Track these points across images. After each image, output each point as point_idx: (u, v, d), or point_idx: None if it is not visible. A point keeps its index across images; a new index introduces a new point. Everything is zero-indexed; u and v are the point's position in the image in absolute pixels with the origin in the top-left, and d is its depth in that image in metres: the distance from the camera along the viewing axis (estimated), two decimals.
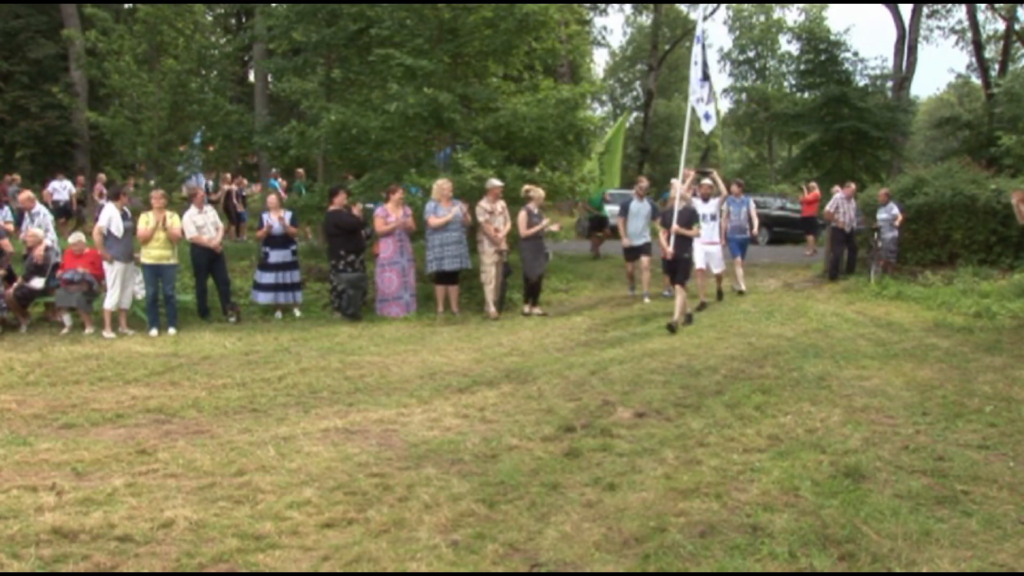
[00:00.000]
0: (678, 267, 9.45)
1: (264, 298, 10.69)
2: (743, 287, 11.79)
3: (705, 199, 10.76)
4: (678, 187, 9.70)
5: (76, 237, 9.93)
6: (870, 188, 15.43)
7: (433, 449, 4.85)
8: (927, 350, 7.81)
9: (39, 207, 10.84)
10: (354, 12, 12.84)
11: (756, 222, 12.17)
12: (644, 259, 11.55)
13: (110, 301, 9.34)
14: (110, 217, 9.35)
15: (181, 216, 10.14)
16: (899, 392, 6.18)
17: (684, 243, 9.38)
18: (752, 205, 12.10)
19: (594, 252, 16.27)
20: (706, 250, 10.54)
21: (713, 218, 10.76)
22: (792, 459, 4.58)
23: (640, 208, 11.76)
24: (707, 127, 10.50)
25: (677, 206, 9.38)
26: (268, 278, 10.66)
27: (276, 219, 10.64)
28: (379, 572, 3.32)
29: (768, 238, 21.52)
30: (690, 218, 9.41)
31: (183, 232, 10.02)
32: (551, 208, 17.44)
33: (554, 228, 11.23)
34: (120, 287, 9.35)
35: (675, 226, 9.37)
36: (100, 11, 16.03)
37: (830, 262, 13.60)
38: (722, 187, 10.96)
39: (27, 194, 10.90)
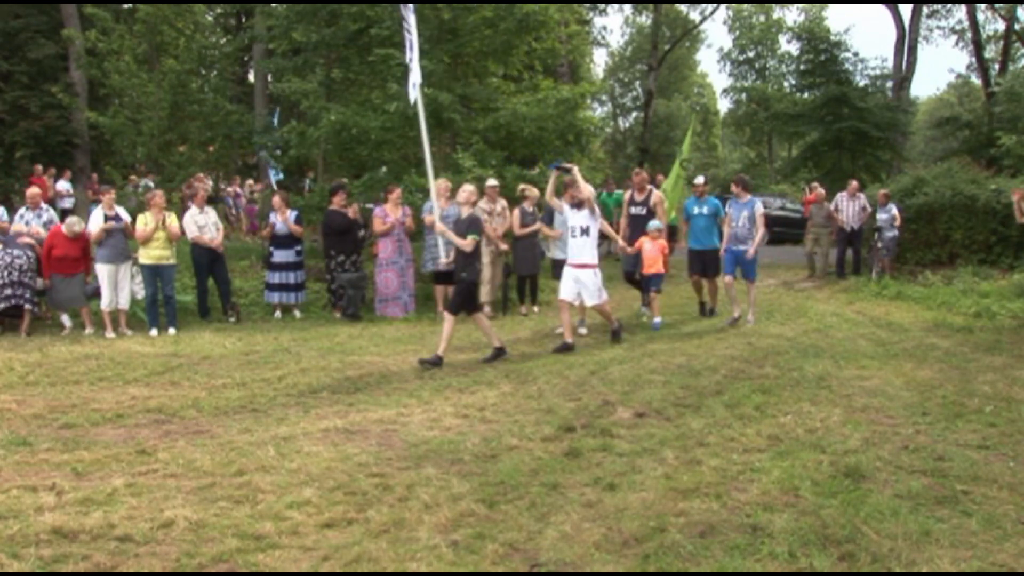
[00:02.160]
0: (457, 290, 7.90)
1: (269, 297, 10.73)
2: (736, 314, 9.42)
3: (576, 206, 8.22)
4: (435, 190, 8.63)
5: (72, 219, 9.87)
6: (870, 188, 15.45)
7: (433, 449, 4.85)
8: (927, 350, 7.81)
9: (45, 205, 10.81)
10: (354, 12, 12.84)
11: (761, 232, 9.46)
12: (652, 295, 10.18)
13: (103, 302, 9.35)
14: (93, 219, 9.45)
15: (180, 216, 10.15)
16: (899, 392, 6.18)
17: (464, 259, 7.62)
18: (760, 208, 9.50)
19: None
20: (575, 275, 8.12)
21: (584, 232, 8.14)
22: (792, 459, 4.58)
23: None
24: (412, 95, 9.23)
25: (464, 213, 7.84)
26: (271, 278, 10.69)
27: (281, 219, 10.66)
28: (379, 572, 3.31)
29: (768, 238, 21.53)
30: (468, 227, 7.62)
31: (183, 232, 10.03)
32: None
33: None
34: (111, 288, 9.34)
35: (438, 228, 8.19)
36: (100, 11, 16.02)
37: (835, 261, 13.69)
38: (584, 190, 8.21)
39: (33, 191, 10.88)
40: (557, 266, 9.57)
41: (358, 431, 5.29)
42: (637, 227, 9.67)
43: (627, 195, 10.19)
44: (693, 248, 9.95)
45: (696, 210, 9.92)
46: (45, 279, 9.46)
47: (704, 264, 9.88)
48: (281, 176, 16.87)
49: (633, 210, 9.89)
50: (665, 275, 9.67)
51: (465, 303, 7.66)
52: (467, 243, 7.58)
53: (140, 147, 15.52)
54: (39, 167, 18.21)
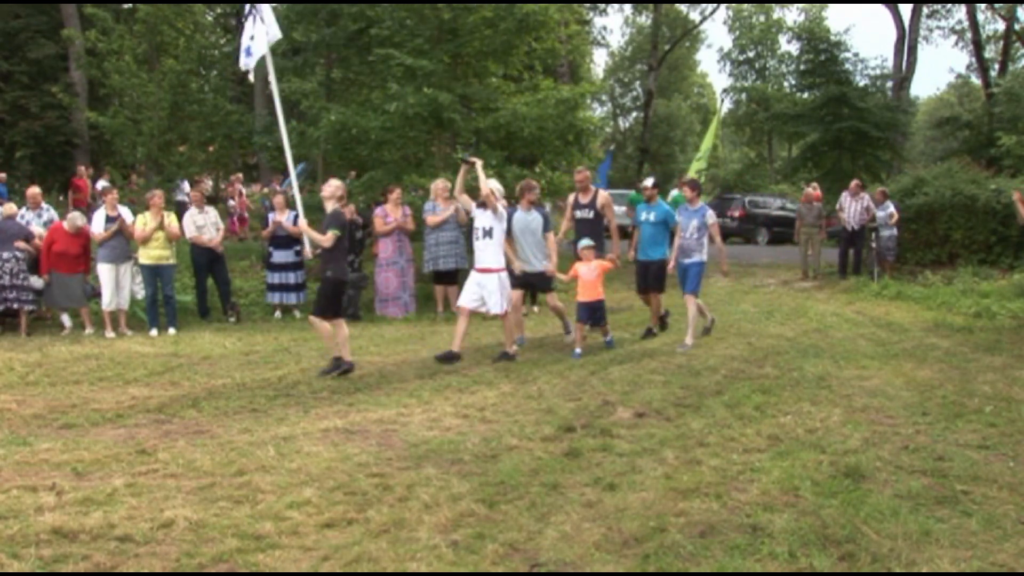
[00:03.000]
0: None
1: (270, 297, 10.74)
2: (689, 341, 8.05)
3: (480, 205, 7.52)
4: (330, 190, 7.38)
5: (74, 214, 9.88)
6: (870, 188, 15.46)
7: (433, 449, 4.85)
8: (927, 350, 7.81)
9: (46, 205, 10.82)
10: (354, 12, 12.85)
11: (718, 241, 8.44)
12: (550, 297, 8.67)
13: (104, 301, 9.36)
14: (96, 219, 9.47)
15: (179, 216, 10.16)
16: (899, 392, 6.18)
17: (326, 256, 7.10)
18: (712, 216, 8.32)
19: None
20: (478, 279, 7.52)
21: (487, 234, 7.43)
22: (792, 459, 4.58)
23: (529, 221, 8.22)
24: (244, 63, 8.84)
25: (329, 207, 7.19)
26: (273, 278, 10.70)
27: (281, 219, 10.67)
28: (379, 572, 3.31)
29: (768, 238, 21.56)
30: (328, 223, 7.03)
31: (183, 232, 10.03)
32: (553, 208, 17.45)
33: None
34: (112, 287, 9.35)
35: (301, 224, 7.83)
36: (100, 11, 16.04)
37: (837, 261, 13.72)
38: (485, 185, 7.40)
39: (33, 190, 10.88)
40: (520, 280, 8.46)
41: (358, 431, 5.29)
42: (583, 233, 8.56)
43: (571, 198, 9.06)
44: (639, 260, 8.70)
45: (644, 216, 8.58)
46: (43, 275, 9.44)
47: (647, 278, 8.63)
48: (304, 172, 16.07)
49: (578, 214, 8.79)
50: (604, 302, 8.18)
51: (330, 305, 7.04)
52: (326, 239, 6.95)
53: (140, 147, 15.54)
54: (81, 167, 17.97)
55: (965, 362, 7.26)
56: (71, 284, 9.42)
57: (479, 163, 7.54)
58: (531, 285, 8.72)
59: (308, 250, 8.15)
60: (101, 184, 16.53)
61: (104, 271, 9.35)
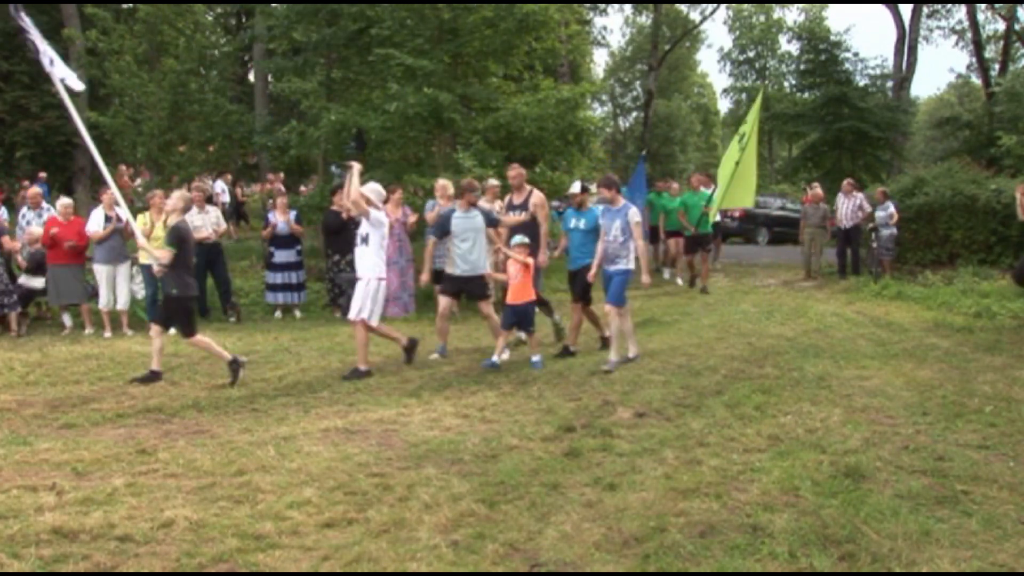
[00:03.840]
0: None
1: (272, 298, 10.74)
2: (611, 362, 7.10)
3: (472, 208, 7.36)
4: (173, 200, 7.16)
5: (64, 201, 9.89)
6: (870, 188, 15.45)
7: (433, 449, 4.85)
8: (927, 350, 7.81)
9: (46, 205, 10.83)
10: (354, 12, 12.84)
11: (639, 247, 7.35)
12: (482, 305, 7.92)
13: (100, 301, 9.38)
14: (93, 219, 9.50)
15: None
16: (899, 392, 6.18)
17: (169, 272, 6.81)
18: (635, 216, 7.34)
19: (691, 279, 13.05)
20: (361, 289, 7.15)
21: (364, 241, 7.08)
22: (792, 459, 4.58)
23: (468, 222, 7.70)
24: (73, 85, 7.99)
25: (172, 220, 6.99)
26: (274, 278, 10.70)
27: (282, 219, 10.67)
28: (379, 572, 3.31)
29: (768, 238, 21.57)
30: (168, 239, 6.82)
31: None
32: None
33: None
34: (108, 288, 9.35)
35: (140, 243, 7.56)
36: (100, 11, 16.02)
37: (835, 261, 13.73)
38: (355, 191, 6.94)
39: (34, 190, 10.88)
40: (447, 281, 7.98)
41: (358, 431, 5.29)
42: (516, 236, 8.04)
43: (506, 198, 8.63)
44: (569, 269, 8.03)
45: (573, 223, 7.80)
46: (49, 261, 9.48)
47: (575, 287, 7.87)
48: (337, 171, 15.61)
49: (513, 215, 8.30)
50: (535, 304, 7.67)
51: (173, 319, 6.92)
52: (163, 255, 6.72)
53: (140, 147, 15.52)
54: (122, 166, 17.78)
55: (965, 362, 7.26)
56: (70, 278, 9.41)
57: (356, 167, 7.09)
58: (465, 292, 8.08)
59: (156, 267, 7.27)
60: (140, 183, 16.50)
61: (100, 271, 9.36)
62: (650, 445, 4.89)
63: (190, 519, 3.77)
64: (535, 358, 7.35)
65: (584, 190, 7.88)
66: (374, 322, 7.09)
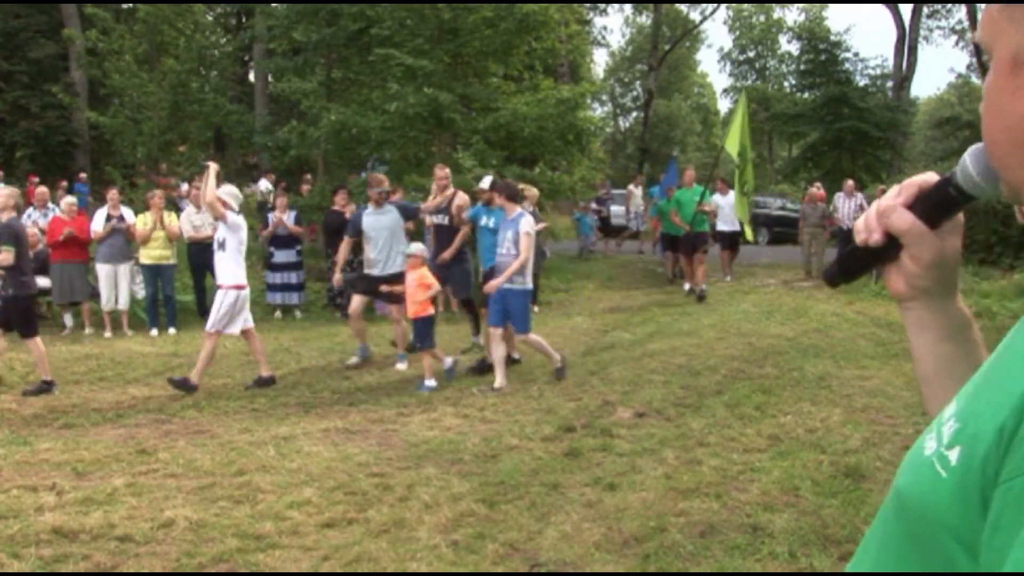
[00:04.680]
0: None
1: (272, 298, 10.75)
2: (498, 383, 6.44)
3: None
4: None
5: (68, 200, 9.92)
6: (870, 188, 15.46)
7: (433, 449, 4.85)
8: None
9: (51, 205, 10.84)
10: (354, 12, 12.85)
11: (522, 259, 6.44)
12: (392, 309, 7.61)
13: (102, 300, 9.40)
14: (97, 219, 9.52)
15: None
16: (899, 392, 6.18)
17: (7, 273, 6.43)
18: (526, 225, 6.51)
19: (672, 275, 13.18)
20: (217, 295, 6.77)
21: (221, 246, 6.64)
22: (792, 459, 4.57)
23: (380, 220, 7.40)
24: None
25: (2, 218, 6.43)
26: (274, 278, 10.71)
27: (282, 219, 10.69)
28: (379, 572, 3.31)
29: (768, 238, 21.57)
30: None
31: (181, 231, 10.04)
32: (552, 208, 17.47)
33: (539, 227, 11.06)
34: (110, 287, 9.36)
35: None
36: (100, 11, 16.04)
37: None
38: (211, 192, 6.49)
39: (40, 190, 10.91)
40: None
41: (358, 431, 5.29)
42: (442, 242, 7.70)
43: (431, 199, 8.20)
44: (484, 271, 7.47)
45: (484, 221, 7.35)
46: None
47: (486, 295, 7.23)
48: (380, 168, 15.28)
49: (435, 219, 7.78)
50: (433, 320, 6.87)
51: (28, 325, 6.53)
52: (2, 257, 6.27)
53: (140, 147, 15.54)
54: (164, 166, 17.71)
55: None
56: (75, 276, 9.42)
57: (213, 167, 6.67)
58: (375, 293, 7.65)
59: None
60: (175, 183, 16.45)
61: (102, 271, 9.37)
62: (650, 445, 4.89)
63: (190, 519, 3.77)
64: (427, 382, 6.53)
65: (494, 186, 7.23)
66: (235, 330, 6.68)
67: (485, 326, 7.30)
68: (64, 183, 17.33)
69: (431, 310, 6.78)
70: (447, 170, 7.93)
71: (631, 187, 18.46)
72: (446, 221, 7.76)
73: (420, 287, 6.69)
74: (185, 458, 4.71)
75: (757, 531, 3.62)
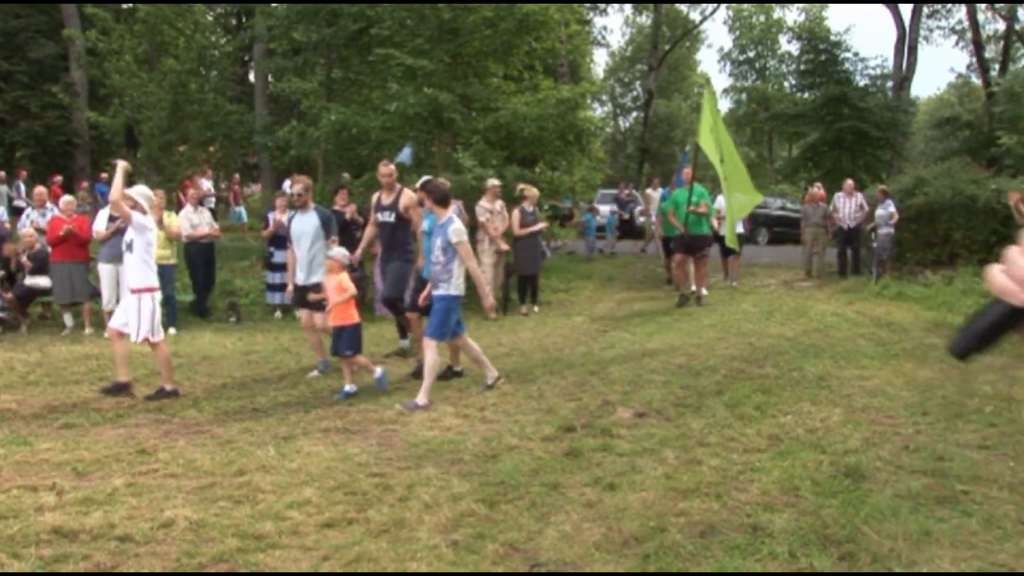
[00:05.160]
0: None
1: (272, 298, 10.75)
2: (420, 400, 5.91)
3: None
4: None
5: (67, 199, 9.93)
6: (870, 188, 15.46)
7: (433, 449, 4.85)
8: (927, 350, 7.80)
9: (50, 205, 10.85)
10: (354, 12, 12.85)
11: (470, 266, 6.27)
12: (317, 316, 7.09)
13: (104, 300, 9.40)
14: (99, 219, 9.52)
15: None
16: (899, 392, 6.18)
17: None
18: (454, 234, 6.09)
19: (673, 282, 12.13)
20: (124, 300, 6.67)
21: (129, 248, 6.40)
22: (792, 459, 4.57)
23: (303, 224, 7.08)
24: None
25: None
26: (274, 278, 10.71)
27: (283, 219, 10.68)
28: (379, 572, 3.31)
29: (768, 238, 21.57)
30: None
31: (180, 231, 10.06)
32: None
33: (540, 226, 11.11)
34: (111, 287, 9.36)
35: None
36: (100, 11, 16.04)
37: (836, 261, 13.75)
38: (117, 191, 6.25)
39: (40, 190, 10.92)
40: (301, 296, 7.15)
41: (358, 431, 5.29)
42: (384, 240, 7.42)
43: (374, 198, 7.70)
44: (421, 277, 7.02)
45: (425, 225, 6.89)
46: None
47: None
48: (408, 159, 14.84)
49: (381, 216, 7.37)
50: (359, 328, 6.52)
51: None
52: None
53: (140, 147, 15.54)
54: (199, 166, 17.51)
55: (965, 362, 7.24)
56: (76, 276, 9.42)
57: (121, 165, 6.42)
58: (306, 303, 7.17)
59: None
60: (206, 183, 16.44)
61: (104, 271, 9.37)
62: (650, 445, 4.89)
63: (190, 519, 3.77)
64: (345, 387, 6.34)
65: (423, 186, 6.68)
66: (157, 337, 6.38)
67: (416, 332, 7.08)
68: (84, 183, 17.35)
69: (355, 318, 6.43)
70: (391, 167, 7.51)
71: (649, 191, 18.32)
72: (392, 218, 7.32)
73: (339, 293, 6.36)
74: (185, 458, 4.71)
75: (757, 531, 3.62)
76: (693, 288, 11.13)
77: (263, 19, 15.67)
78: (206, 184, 15.67)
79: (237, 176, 18.15)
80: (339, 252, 6.52)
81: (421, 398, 5.94)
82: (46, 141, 21.47)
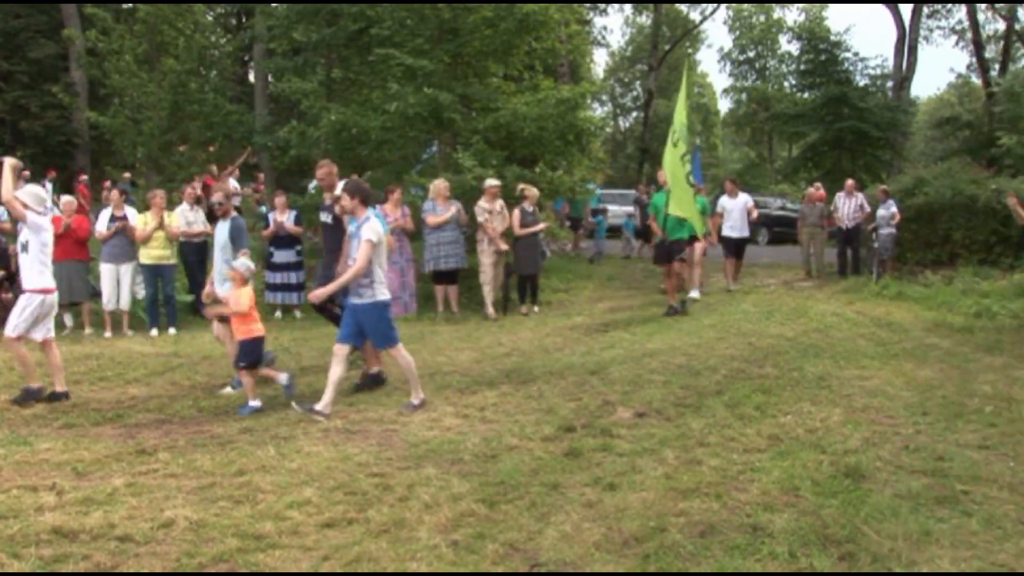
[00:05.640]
0: None
1: (272, 298, 10.75)
2: (415, 400, 5.88)
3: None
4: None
5: (66, 199, 9.94)
6: (870, 188, 15.45)
7: (433, 449, 4.85)
8: (927, 350, 7.80)
9: (50, 204, 10.86)
10: (354, 12, 12.84)
11: (354, 270, 5.76)
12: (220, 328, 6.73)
13: (104, 300, 9.42)
14: (101, 219, 9.54)
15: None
16: (899, 392, 6.18)
17: None
18: (367, 231, 5.74)
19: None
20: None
21: (24, 248, 6.30)
22: (792, 459, 4.57)
23: (218, 233, 6.76)
24: None
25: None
26: (273, 278, 10.72)
27: (283, 219, 10.69)
28: (379, 572, 3.31)
29: (768, 238, 21.57)
30: None
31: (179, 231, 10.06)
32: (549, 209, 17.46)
33: (539, 227, 11.11)
34: (112, 287, 9.38)
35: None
36: (100, 11, 16.04)
37: (835, 261, 13.75)
38: (7, 191, 6.04)
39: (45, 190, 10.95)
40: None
41: (358, 431, 5.29)
42: (326, 242, 7.12)
43: (325, 199, 7.45)
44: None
45: (352, 229, 6.23)
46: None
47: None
48: (429, 157, 13.85)
49: (322, 217, 7.15)
50: (259, 342, 6.21)
51: None
52: None
53: (140, 147, 15.55)
54: (214, 167, 16.99)
55: (965, 362, 7.26)
56: (75, 275, 9.42)
57: (8, 163, 6.12)
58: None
59: None
60: (233, 183, 16.35)
61: (105, 270, 9.39)
62: (650, 445, 4.89)
63: (190, 519, 3.77)
64: (251, 402, 5.99)
65: (344, 186, 6.15)
66: (38, 337, 6.24)
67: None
68: (108, 183, 17.31)
69: (254, 332, 6.14)
70: (326, 168, 7.17)
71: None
72: (330, 219, 6.96)
73: (239, 306, 6.07)
74: (185, 458, 4.71)
75: (757, 531, 3.62)
76: (692, 294, 10.97)
77: (263, 19, 15.65)
78: (233, 184, 15.57)
79: (261, 176, 17.80)
80: (241, 264, 6.22)
81: (414, 397, 5.91)
82: (46, 141, 21.47)
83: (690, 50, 45.69)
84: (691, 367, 7.06)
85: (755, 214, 12.90)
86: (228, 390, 6.56)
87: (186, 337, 9.08)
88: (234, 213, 6.84)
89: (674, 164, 9.73)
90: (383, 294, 5.87)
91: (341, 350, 5.86)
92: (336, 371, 5.78)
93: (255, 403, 5.99)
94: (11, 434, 5.25)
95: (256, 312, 6.23)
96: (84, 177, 18.96)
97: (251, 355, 6.11)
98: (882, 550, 3.41)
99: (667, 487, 4.18)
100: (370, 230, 5.75)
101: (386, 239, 6.09)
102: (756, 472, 4.39)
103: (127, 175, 18.87)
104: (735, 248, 12.73)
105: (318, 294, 6.17)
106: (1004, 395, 6.02)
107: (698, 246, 11.35)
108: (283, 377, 6.26)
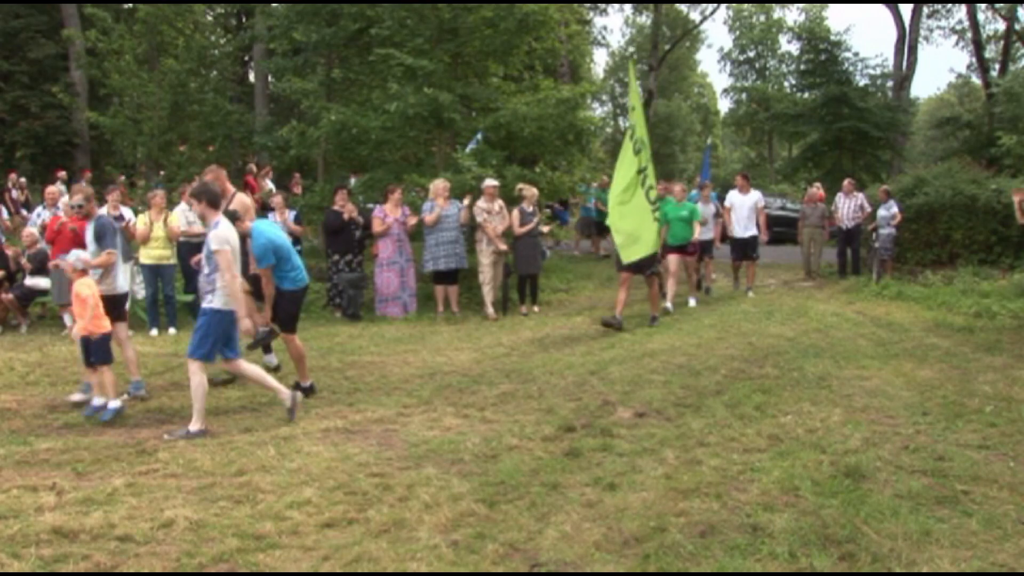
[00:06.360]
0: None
1: None
2: (193, 427, 5.29)
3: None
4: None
5: (66, 199, 9.93)
6: (870, 188, 15.46)
7: (433, 449, 4.85)
8: (927, 350, 7.81)
9: (59, 204, 10.85)
10: (354, 12, 12.85)
11: (229, 280, 5.47)
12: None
13: None
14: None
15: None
16: (899, 392, 6.18)
17: None
18: (216, 241, 5.46)
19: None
20: None
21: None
22: (792, 459, 4.58)
23: (87, 233, 6.56)
24: None
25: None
26: None
27: (281, 219, 10.67)
28: (379, 572, 3.31)
29: (768, 238, 21.57)
30: None
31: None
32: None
33: (544, 229, 11.11)
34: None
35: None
36: (100, 11, 16.04)
37: (835, 261, 13.76)
38: None
39: (51, 189, 10.93)
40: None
41: (358, 431, 5.29)
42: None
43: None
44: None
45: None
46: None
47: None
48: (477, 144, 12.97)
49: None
50: (105, 340, 5.88)
51: None
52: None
53: (140, 147, 15.55)
54: (253, 166, 16.86)
55: (965, 362, 7.26)
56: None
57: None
58: None
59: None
60: (268, 183, 16.31)
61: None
62: (650, 445, 4.89)
63: (190, 519, 3.77)
64: (112, 404, 5.72)
65: (194, 190, 5.94)
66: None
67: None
68: (121, 177, 17.30)
69: (103, 328, 5.83)
70: (220, 171, 6.95)
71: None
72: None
73: (77, 301, 5.78)
74: (185, 458, 4.71)
75: (757, 531, 3.63)
76: (668, 305, 10.35)
77: (263, 19, 15.67)
78: (269, 184, 15.54)
79: (297, 176, 17.34)
80: (72, 256, 5.90)
81: (193, 424, 5.28)
82: (46, 141, 21.45)
83: (701, 63, 45.36)
84: (691, 367, 7.06)
85: (763, 216, 12.35)
86: (77, 396, 6.13)
87: (186, 337, 9.05)
88: (99, 212, 6.49)
89: (629, 173, 9.00)
90: (223, 303, 5.47)
91: (191, 364, 5.42)
92: (194, 380, 5.37)
93: (115, 403, 5.66)
94: (11, 434, 5.25)
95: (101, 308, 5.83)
96: (88, 175, 18.93)
97: (94, 350, 5.75)
98: (882, 550, 3.41)
99: (667, 487, 4.18)
100: (215, 238, 5.44)
101: (237, 245, 5.65)
102: (756, 472, 4.39)
103: (121, 177, 18.85)
104: (740, 249, 12.20)
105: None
106: (1004, 395, 6.02)
107: (672, 258, 10.67)
108: (110, 405, 5.72)
